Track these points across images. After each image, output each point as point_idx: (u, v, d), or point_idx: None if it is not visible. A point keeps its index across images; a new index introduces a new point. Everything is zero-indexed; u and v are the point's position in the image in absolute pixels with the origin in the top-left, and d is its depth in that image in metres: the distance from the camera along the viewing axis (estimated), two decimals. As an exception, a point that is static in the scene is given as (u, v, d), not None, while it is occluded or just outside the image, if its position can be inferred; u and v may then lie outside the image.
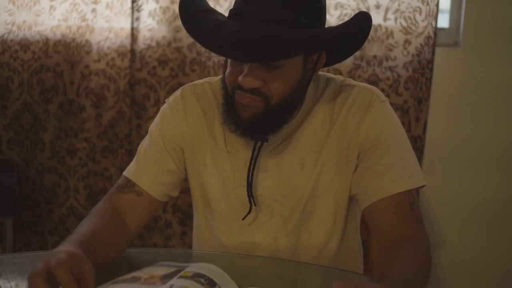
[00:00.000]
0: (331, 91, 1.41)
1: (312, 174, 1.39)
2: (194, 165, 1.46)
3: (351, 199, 1.43)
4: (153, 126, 1.49)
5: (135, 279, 1.05)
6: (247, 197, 1.41)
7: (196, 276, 1.05)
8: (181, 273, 1.05)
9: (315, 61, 1.33)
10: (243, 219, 1.41)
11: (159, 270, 1.09)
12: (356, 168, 1.38)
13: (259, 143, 1.36)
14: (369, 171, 1.36)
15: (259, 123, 1.30)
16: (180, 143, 1.45)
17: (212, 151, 1.43)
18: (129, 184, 1.43)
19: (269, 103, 1.28)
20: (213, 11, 1.30)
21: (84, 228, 1.27)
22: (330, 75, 1.45)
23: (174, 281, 1.02)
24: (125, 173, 1.46)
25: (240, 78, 1.25)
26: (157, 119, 1.49)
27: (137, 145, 1.51)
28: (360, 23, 1.30)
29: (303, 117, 1.38)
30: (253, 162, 1.37)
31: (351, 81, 1.43)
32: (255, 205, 1.40)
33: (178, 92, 1.49)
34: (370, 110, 1.37)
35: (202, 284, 1.03)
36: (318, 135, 1.39)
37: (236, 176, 1.42)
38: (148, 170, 1.44)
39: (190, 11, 1.29)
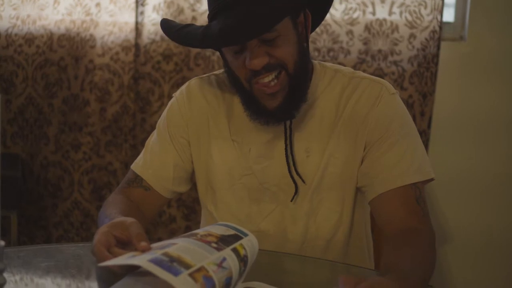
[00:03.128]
0: (340, 82, 1.42)
1: (319, 164, 1.40)
2: (200, 157, 1.48)
3: (358, 191, 1.43)
4: (161, 120, 1.52)
5: (192, 235, 1.05)
6: (253, 185, 1.42)
7: (244, 260, 1.04)
8: (236, 244, 1.04)
9: (303, 23, 1.35)
10: (291, 200, 1.41)
11: (218, 229, 1.08)
12: (363, 159, 1.39)
13: (288, 122, 1.38)
14: (377, 163, 1.36)
15: (288, 104, 1.33)
16: (186, 135, 1.47)
17: (217, 142, 1.45)
18: (138, 179, 1.47)
19: (289, 71, 1.30)
20: (191, 24, 1.35)
21: (115, 210, 1.31)
22: (338, 66, 1.46)
23: (228, 253, 1.01)
24: (132, 166, 1.50)
25: (247, 63, 1.29)
26: (164, 113, 1.52)
27: (142, 139, 1.54)
28: None
29: (308, 105, 1.39)
30: (288, 142, 1.38)
31: (360, 73, 1.44)
32: (304, 182, 1.40)
33: (184, 86, 1.53)
34: (379, 102, 1.38)
35: (240, 273, 1.02)
36: (325, 124, 1.40)
37: (242, 165, 1.43)
38: (154, 164, 1.47)
39: (174, 29, 1.35)
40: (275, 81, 1.30)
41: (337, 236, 1.44)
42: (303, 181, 1.40)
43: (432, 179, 1.37)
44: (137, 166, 1.49)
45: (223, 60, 1.40)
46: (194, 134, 1.47)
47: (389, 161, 1.35)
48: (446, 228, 2.74)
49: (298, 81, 1.33)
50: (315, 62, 1.44)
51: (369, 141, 1.37)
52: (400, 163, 1.34)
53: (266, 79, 1.29)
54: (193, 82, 1.51)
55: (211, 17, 1.32)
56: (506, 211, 2.71)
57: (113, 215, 1.26)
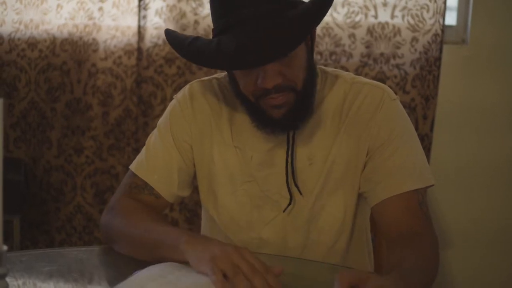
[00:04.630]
0: (341, 88, 1.41)
1: (322, 171, 1.39)
2: (202, 162, 1.47)
3: (360, 197, 1.42)
4: (162, 122, 1.49)
5: None
6: (255, 192, 1.42)
7: None
8: None
9: (310, 35, 1.35)
10: (284, 211, 1.40)
11: None
12: (365, 165, 1.38)
13: (291, 132, 1.37)
14: (379, 169, 1.36)
15: (294, 114, 1.32)
16: (189, 140, 1.46)
17: (219, 147, 1.44)
18: (148, 187, 1.44)
19: (297, 90, 1.30)
20: (199, 37, 1.31)
21: (155, 221, 1.33)
22: (339, 71, 1.46)
23: None
24: (135, 170, 1.46)
25: (259, 82, 1.27)
26: (166, 114, 1.49)
27: (144, 143, 1.52)
28: None
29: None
30: (289, 152, 1.38)
31: (361, 79, 1.43)
32: (301, 194, 1.39)
33: (186, 88, 1.50)
34: (381, 108, 1.38)
35: None
36: (328, 131, 1.39)
37: (244, 172, 1.42)
38: (159, 170, 1.44)
39: (184, 44, 1.30)
40: (281, 96, 1.29)
41: (338, 243, 1.43)
42: (300, 192, 1.39)
43: (432, 185, 1.37)
44: (141, 170, 1.45)
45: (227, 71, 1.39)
46: (197, 138, 1.46)
47: (392, 166, 1.35)
48: (451, 230, 2.73)
49: (305, 95, 1.33)
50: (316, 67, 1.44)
51: (372, 146, 1.37)
52: (403, 168, 1.34)
53: (274, 96, 1.29)
54: (195, 84, 1.49)
55: (219, 30, 1.28)
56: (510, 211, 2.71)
57: (164, 229, 1.28)
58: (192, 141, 1.46)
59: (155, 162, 1.45)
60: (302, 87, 1.31)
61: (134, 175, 1.46)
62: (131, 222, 1.34)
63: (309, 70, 1.33)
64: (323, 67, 1.47)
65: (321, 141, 1.40)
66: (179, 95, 1.50)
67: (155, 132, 1.50)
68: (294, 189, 1.40)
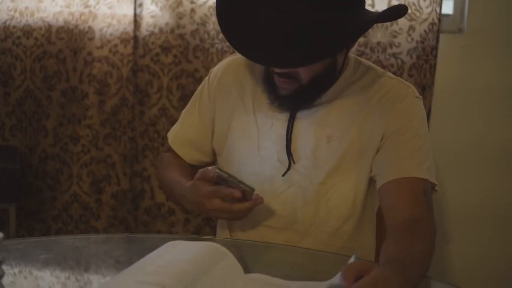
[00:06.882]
0: (370, 79, 1.48)
1: (338, 150, 1.45)
2: (221, 131, 1.56)
3: (370, 184, 1.47)
4: (194, 95, 1.65)
5: None
6: (270, 162, 1.49)
7: None
8: None
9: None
10: (283, 175, 1.48)
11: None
12: (378, 149, 1.44)
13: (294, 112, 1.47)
14: (391, 153, 1.42)
15: (295, 98, 1.43)
16: (212, 113, 1.58)
17: (240, 116, 1.53)
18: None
19: (301, 83, 1.39)
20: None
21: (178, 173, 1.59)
22: (372, 65, 1.53)
23: None
24: (171, 142, 1.66)
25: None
26: (199, 88, 1.65)
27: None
28: (396, 13, 1.42)
29: (335, 95, 1.45)
30: (290, 126, 1.47)
31: (391, 75, 1.51)
32: (293, 162, 1.47)
33: (221, 62, 1.63)
34: (402, 100, 1.44)
35: None
36: (349, 114, 1.46)
37: (261, 138, 1.49)
38: (186, 142, 1.63)
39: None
40: (285, 82, 1.40)
41: (345, 225, 1.49)
42: (293, 161, 1.46)
43: (435, 188, 1.42)
44: (174, 142, 1.64)
45: None
46: (220, 110, 1.56)
47: (404, 153, 1.40)
48: (449, 217, 2.74)
49: (309, 91, 1.41)
50: (351, 56, 1.50)
51: (387, 132, 1.43)
52: (414, 157, 1.39)
53: (280, 78, 1.40)
54: (228, 59, 1.61)
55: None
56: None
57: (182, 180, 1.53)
58: (215, 114, 1.57)
59: (184, 135, 1.63)
60: (308, 81, 1.38)
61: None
62: (165, 174, 1.61)
63: (325, 71, 1.40)
64: (358, 57, 1.54)
65: (341, 122, 1.45)
66: (214, 68, 1.62)
67: (190, 102, 1.65)
68: (310, 162, 1.46)
